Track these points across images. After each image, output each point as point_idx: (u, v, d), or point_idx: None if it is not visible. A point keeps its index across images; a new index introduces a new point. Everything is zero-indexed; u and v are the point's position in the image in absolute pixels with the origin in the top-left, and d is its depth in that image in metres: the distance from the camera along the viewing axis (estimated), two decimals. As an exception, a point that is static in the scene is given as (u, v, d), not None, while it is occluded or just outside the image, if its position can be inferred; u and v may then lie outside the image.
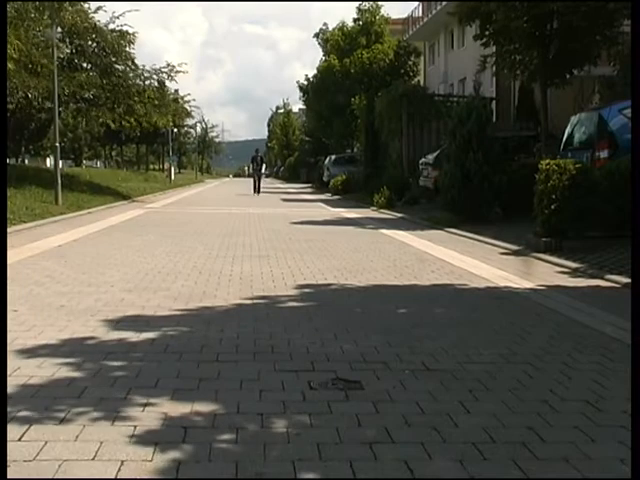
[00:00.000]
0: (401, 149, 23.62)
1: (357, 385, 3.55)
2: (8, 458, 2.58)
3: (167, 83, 27.26)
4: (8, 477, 2.44)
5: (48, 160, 51.20)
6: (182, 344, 4.36)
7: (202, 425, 3.00)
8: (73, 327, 4.80)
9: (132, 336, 4.55)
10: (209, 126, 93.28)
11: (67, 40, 22.96)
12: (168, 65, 25.27)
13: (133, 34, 24.45)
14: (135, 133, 39.72)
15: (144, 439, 2.83)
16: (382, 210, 18.75)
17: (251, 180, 32.65)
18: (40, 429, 2.92)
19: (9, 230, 11.09)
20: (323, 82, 39.09)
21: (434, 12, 33.81)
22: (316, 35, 41.73)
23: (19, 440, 2.80)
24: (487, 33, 16.03)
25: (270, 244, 10.38)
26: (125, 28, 24.42)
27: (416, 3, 39.21)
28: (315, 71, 42.50)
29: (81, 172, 33.89)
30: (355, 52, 37.82)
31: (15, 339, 4.40)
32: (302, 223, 14.51)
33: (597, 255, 8.23)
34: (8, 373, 3.65)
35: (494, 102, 25.65)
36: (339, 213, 18.18)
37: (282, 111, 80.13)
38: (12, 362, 3.85)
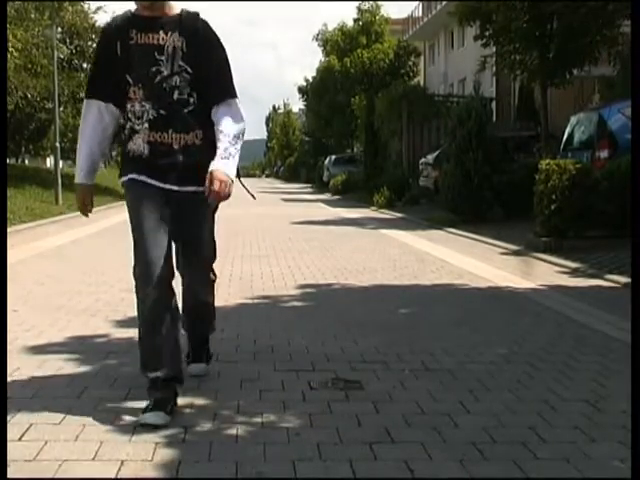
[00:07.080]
0: (401, 149, 23.65)
1: (357, 385, 3.55)
2: (8, 458, 2.58)
3: None
4: (8, 477, 2.44)
5: (48, 160, 51.10)
6: (182, 344, 4.35)
7: (202, 425, 3.00)
8: (73, 327, 4.80)
9: (132, 336, 4.54)
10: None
11: (67, 40, 22.98)
12: None
13: None
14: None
15: (144, 439, 2.83)
16: (382, 210, 18.75)
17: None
18: (40, 429, 2.92)
19: (9, 230, 11.09)
20: (323, 82, 39.13)
21: (434, 12, 33.83)
22: (315, 37, 41.78)
23: (19, 440, 2.80)
24: (487, 33, 16.04)
25: (270, 244, 10.38)
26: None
27: (416, 3, 39.23)
28: (315, 73, 42.57)
29: (81, 172, 33.83)
30: (355, 52, 37.86)
31: (15, 339, 4.41)
32: (302, 223, 14.50)
33: (597, 255, 8.23)
34: (8, 373, 3.65)
35: (494, 102, 25.68)
36: (339, 213, 18.17)
37: (282, 111, 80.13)
38: (12, 362, 3.85)
